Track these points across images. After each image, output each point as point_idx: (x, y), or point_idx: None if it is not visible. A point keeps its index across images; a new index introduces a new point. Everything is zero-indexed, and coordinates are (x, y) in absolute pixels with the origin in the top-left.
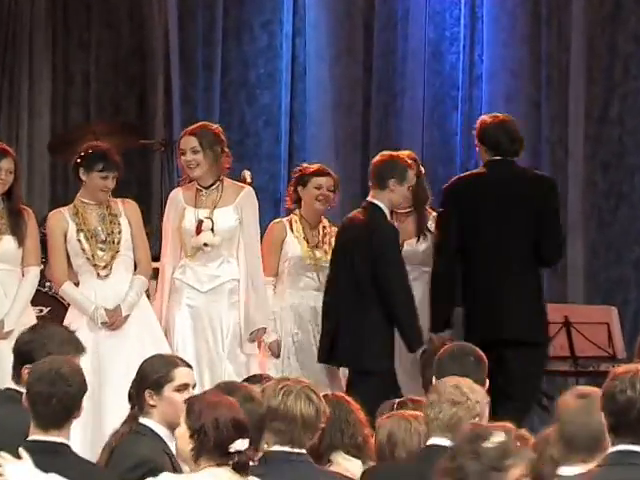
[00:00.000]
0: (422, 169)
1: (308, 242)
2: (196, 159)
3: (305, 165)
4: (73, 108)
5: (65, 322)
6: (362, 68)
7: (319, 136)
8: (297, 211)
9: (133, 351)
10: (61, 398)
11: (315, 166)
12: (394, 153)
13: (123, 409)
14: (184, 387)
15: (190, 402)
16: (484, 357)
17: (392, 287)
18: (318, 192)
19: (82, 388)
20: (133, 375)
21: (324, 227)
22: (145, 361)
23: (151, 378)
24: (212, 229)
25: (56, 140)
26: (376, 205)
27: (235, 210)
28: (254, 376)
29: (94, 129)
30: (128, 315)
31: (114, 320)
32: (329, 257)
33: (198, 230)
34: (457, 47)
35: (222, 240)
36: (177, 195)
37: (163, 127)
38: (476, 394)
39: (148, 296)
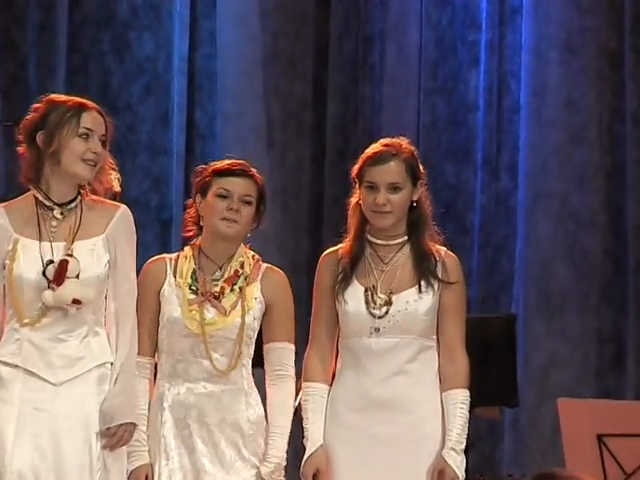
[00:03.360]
0: (421, 168)
1: (196, 293)
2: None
3: (213, 164)
4: None
5: None
6: None
7: (240, 113)
8: (197, 240)
9: None
10: None
11: (225, 162)
12: None
13: None
14: None
15: None
16: None
17: None
18: (223, 204)
19: None
20: None
21: (241, 265)
22: None
23: None
24: (78, 275)
25: None
26: None
27: (105, 245)
28: None
29: None
30: None
31: None
32: (243, 319)
33: (59, 278)
34: None
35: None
36: None
37: None
38: None
39: None
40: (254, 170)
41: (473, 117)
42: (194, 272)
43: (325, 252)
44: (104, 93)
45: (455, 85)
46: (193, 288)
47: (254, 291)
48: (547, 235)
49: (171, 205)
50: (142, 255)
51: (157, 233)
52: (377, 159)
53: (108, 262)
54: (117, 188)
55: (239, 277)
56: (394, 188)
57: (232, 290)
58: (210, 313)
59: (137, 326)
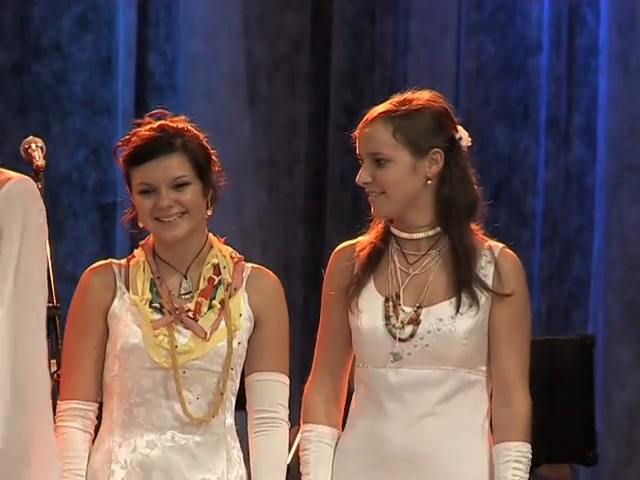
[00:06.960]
0: (463, 136)
1: (160, 312)
2: None
3: (131, 135)
4: None
5: None
6: None
7: (211, 56)
8: (150, 238)
9: None
10: None
11: (140, 133)
12: None
13: None
14: None
15: None
16: None
17: None
18: (149, 202)
19: None
20: None
21: (215, 269)
22: None
23: None
24: None
25: None
26: None
27: None
28: None
29: None
30: None
31: None
32: (230, 344)
33: None
34: None
35: None
36: None
37: None
38: None
39: None
40: (177, 126)
41: (534, 62)
42: (152, 283)
43: (339, 246)
44: (22, 29)
45: (509, 18)
46: (156, 305)
47: (240, 305)
48: (637, 225)
49: (116, 184)
50: (74, 255)
51: (96, 224)
52: (365, 122)
53: None
54: (39, 161)
55: (216, 287)
56: (377, 160)
57: (210, 306)
58: (184, 337)
59: (71, 359)
